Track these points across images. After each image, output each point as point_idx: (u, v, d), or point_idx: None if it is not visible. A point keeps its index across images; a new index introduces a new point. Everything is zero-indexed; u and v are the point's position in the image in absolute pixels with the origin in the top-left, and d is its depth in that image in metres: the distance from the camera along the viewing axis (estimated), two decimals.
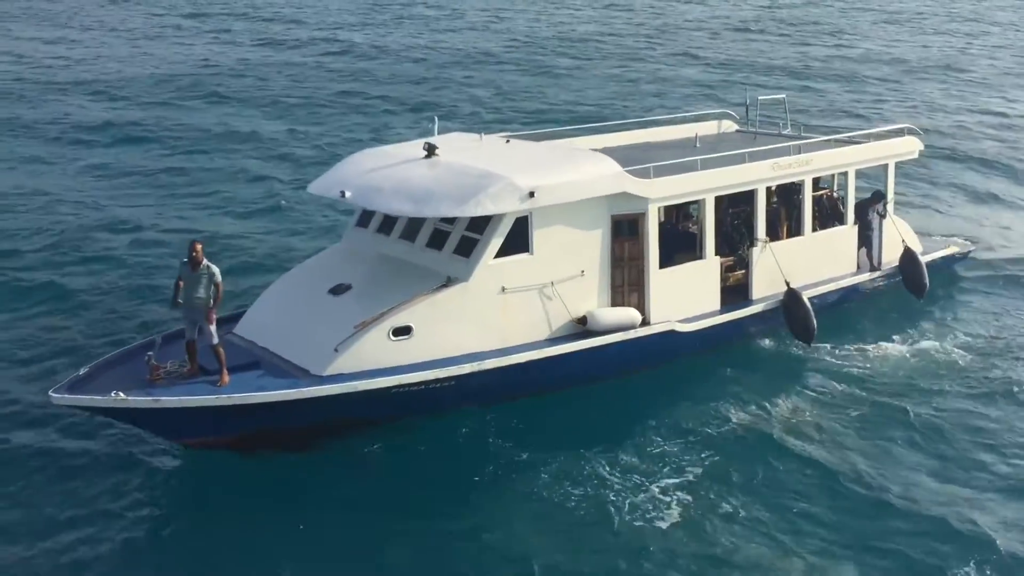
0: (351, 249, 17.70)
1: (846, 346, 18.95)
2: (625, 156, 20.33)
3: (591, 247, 16.80)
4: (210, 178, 30.54)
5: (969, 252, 23.12)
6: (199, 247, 14.46)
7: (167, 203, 28.00)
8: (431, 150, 16.95)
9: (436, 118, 19.62)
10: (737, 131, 23.63)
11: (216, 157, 33.06)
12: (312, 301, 16.17)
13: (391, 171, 16.62)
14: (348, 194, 16.02)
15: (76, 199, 28.14)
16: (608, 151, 21.13)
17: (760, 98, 23.56)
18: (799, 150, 19.41)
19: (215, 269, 14.43)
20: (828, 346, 18.83)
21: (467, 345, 15.78)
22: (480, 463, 14.83)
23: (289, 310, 16.25)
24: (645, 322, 17.27)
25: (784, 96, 24.41)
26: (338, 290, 16.14)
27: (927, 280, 20.72)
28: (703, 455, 15.15)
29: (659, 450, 15.28)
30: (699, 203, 18.19)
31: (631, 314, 17.07)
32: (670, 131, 23.12)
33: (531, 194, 15.67)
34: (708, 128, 23.47)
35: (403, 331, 15.27)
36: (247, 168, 31.58)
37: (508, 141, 18.36)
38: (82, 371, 14.62)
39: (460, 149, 17.62)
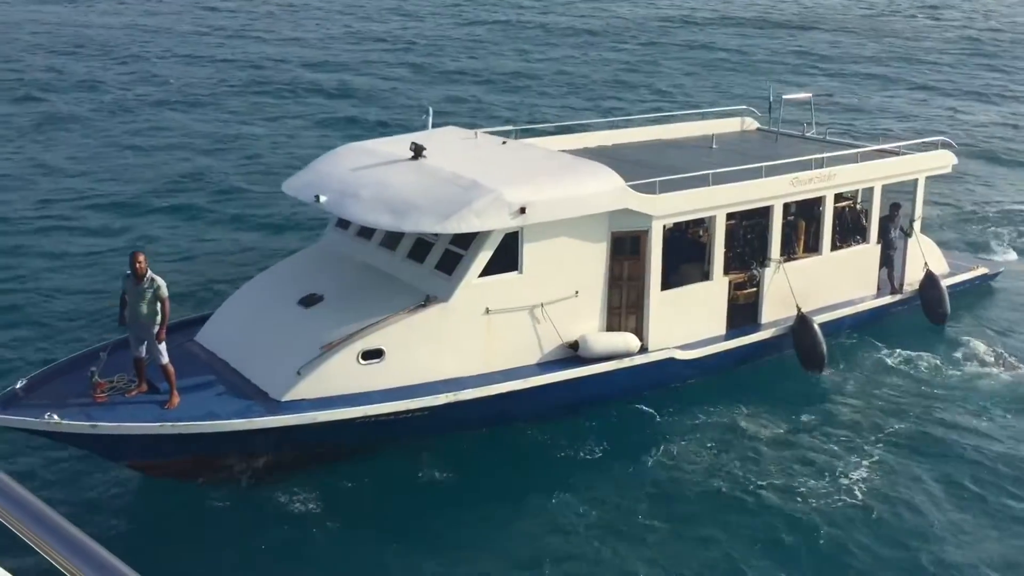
0: (329, 252, 16.35)
1: (858, 373, 17.65)
2: (635, 157, 18.94)
3: (587, 265, 15.40)
4: (188, 169, 28.69)
5: (999, 273, 21.59)
6: (142, 258, 13.09)
7: (129, 195, 26.30)
8: (418, 151, 15.51)
9: (431, 109, 18.13)
10: (758, 130, 22.11)
11: (196, 151, 31.15)
12: (279, 312, 14.85)
13: (372, 173, 15.20)
14: (323, 199, 14.62)
15: (26, 194, 26.13)
16: (619, 149, 19.78)
17: (785, 96, 21.95)
18: (822, 162, 17.87)
19: (160, 282, 13.06)
20: (840, 371, 17.51)
21: (445, 370, 14.46)
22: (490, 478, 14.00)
23: (254, 320, 14.94)
24: (643, 348, 15.90)
25: (811, 96, 22.82)
26: (309, 301, 14.80)
27: (948, 307, 19.26)
28: (690, 484, 14.19)
29: (663, 481, 14.28)
30: (709, 220, 16.69)
31: (627, 340, 15.70)
32: (687, 128, 21.62)
33: (521, 210, 14.25)
34: (729, 126, 21.97)
35: (374, 355, 13.95)
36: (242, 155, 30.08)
37: (504, 142, 16.86)
38: (20, 384, 13.32)
39: (451, 150, 16.17)
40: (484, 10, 59.79)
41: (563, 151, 19.14)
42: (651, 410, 15.91)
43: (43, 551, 1.95)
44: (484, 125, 28.44)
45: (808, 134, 21.61)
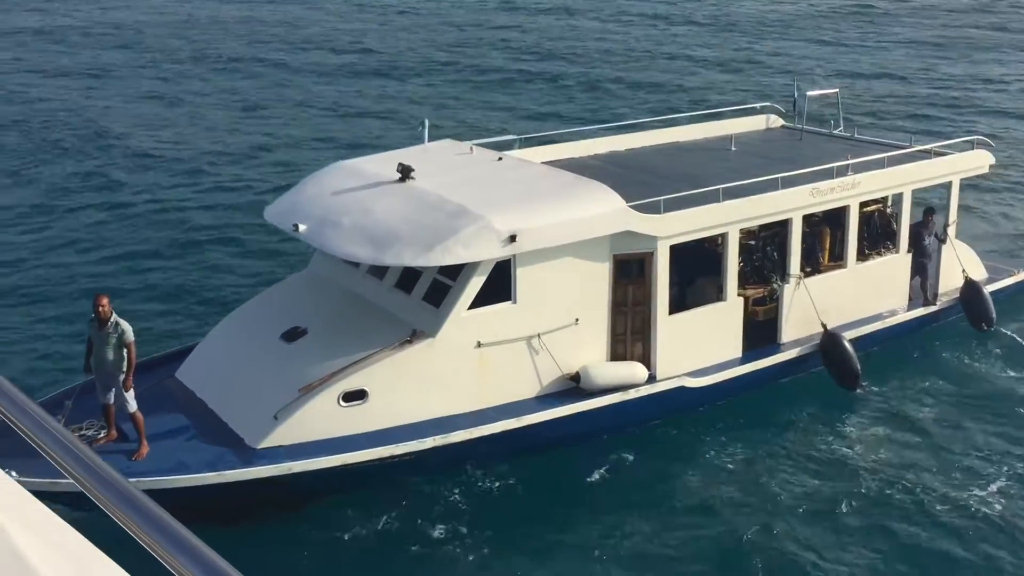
0: (315, 280, 15.49)
1: (895, 385, 16.59)
2: (647, 163, 17.87)
3: (588, 292, 14.38)
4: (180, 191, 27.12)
5: None
6: (105, 301, 12.32)
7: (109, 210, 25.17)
8: (406, 172, 14.57)
9: (426, 121, 17.15)
10: (783, 127, 20.87)
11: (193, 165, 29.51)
12: (260, 347, 14.03)
13: (356, 198, 14.29)
14: (301, 228, 13.75)
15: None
16: (631, 155, 18.70)
17: (809, 93, 20.67)
18: (845, 169, 16.64)
19: (125, 327, 12.29)
20: (875, 387, 16.44)
21: (435, 409, 13.56)
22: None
23: (234, 356, 14.14)
24: (651, 377, 14.87)
25: (837, 91, 21.47)
26: (291, 335, 13.96)
27: (994, 313, 17.95)
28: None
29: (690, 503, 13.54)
30: (721, 237, 15.55)
31: (633, 369, 14.67)
32: (706, 128, 20.43)
33: (511, 238, 13.25)
34: (753, 124, 20.76)
35: (356, 396, 13.09)
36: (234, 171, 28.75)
37: (500, 158, 15.84)
38: None
39: (441, 169, 15.19)
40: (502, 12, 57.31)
41: (571, 159, 18.20)
42: (674, 429, 15.02)
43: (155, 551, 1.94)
44: (500, 129, 27.30)
45: (835, 132, 20.35)
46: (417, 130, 17.32)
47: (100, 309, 12.19)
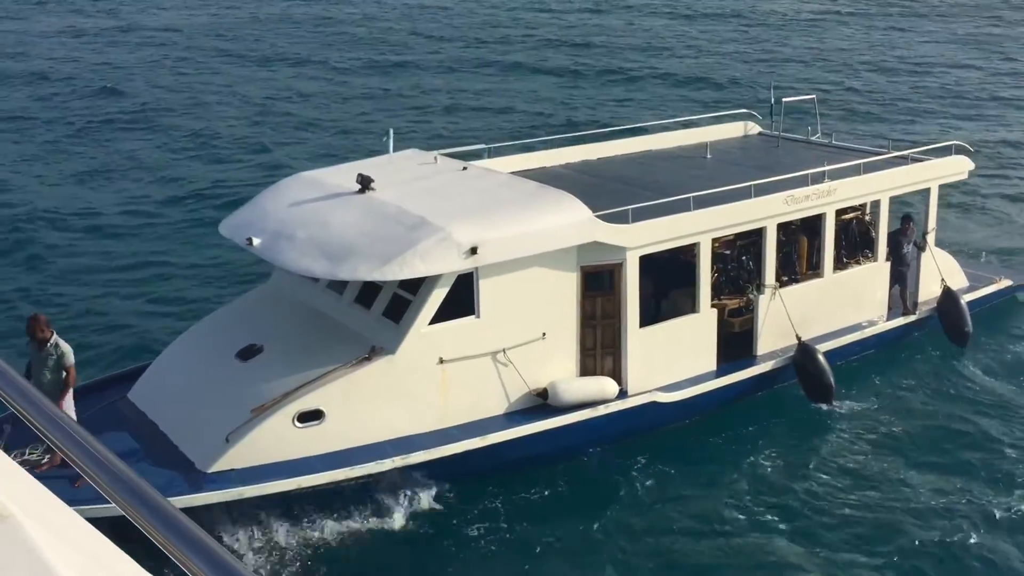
0: (275, 295, 14.97)
1: (871, 399, 16.16)
2: (619, 172, 17.45)
3: (555, 305, 13.90)
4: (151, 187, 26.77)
5: None
6: (41, 319, 11.76)
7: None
8: (365, 183, 14.08)
9: (391, 131, 16.66)
10: (760, 134, 20.49)
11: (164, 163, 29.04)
12: (214, 366, 13.50)
13: (313, 210, 13.78)
14: (255, 242, 13.24)
15: None
16: (603, 163, 18.28)
17: (785, 99, 20.28)
18: (821, 176, 16.22)
19: (65, 348, 11.73)
20: (849, 402, 15.97)
21: (395, 428, 13.05)
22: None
23: (187, 376, 13.60)
24: (622, 392, 14.38)
25: (814, 97, 21.12)
26: (247, 353, 13.43)
27: (970, 326, 17.51)
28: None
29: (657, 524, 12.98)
30: (694, 247, 15.08)
31: (603, 385, 14.18)
32: (681, 136, 20.02)
33: (473, 250, 12.77)
34: (730, 131, 20.37)
35: (312, 416, 12.56)
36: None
37: (465, 168, 15.36)
38: None
39: (403, 179, 14.71)
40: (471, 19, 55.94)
41: (542, 168, 17.76)
42: (647, 444, 14.53)
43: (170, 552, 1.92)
44: (471, 138, 26.66)
45: (812, 138, 19.96)
46: (382, 140, 16.83)
47: (36, 332, 11.63)
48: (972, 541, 12.71)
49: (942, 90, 37.60)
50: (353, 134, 31.83)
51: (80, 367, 12.68)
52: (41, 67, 42.74)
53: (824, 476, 14.13)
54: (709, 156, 18.56)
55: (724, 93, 37.15)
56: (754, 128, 20.70)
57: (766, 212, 15.40)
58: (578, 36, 49.32)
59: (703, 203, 14.79)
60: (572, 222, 13.50)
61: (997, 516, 13.24)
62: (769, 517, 13.20)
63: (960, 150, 18.18)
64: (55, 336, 11.78)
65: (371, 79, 40.81)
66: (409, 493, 13.03)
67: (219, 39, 49.77)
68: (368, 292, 13.76)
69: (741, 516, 13.23)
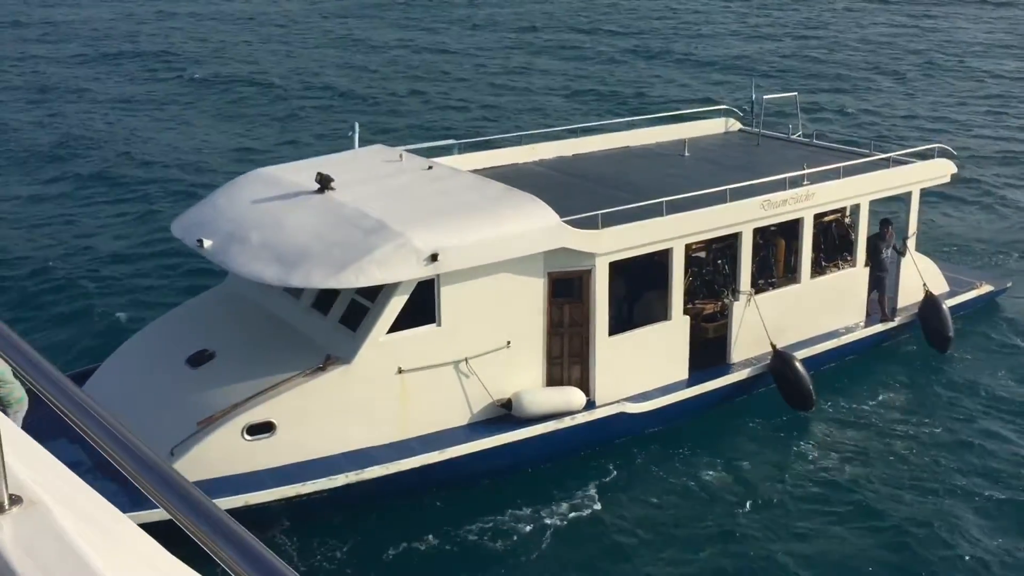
0: (230, 297, 14.38)
1: (851, 406, 15.77)
2: (593, 171, 16.94)
3: (521, 312, 13.37)
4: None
5: (1005, 288, 19.36)
6: None
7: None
8: (325, 183, 13.50)
9: (357, 125, 16.07)
10: (740, 131, 19.99)
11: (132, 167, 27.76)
12: (164, 372, 12.93)
13: (268, 211, 13.20)
14: (206, 244, 12.65)
15: None
16: (578, 160, 17.75)
17: (766, 97, 19.79)
18: (799, 179, 15.73)
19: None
20: (829, 409, 15.58)
21: (351, 441, 12.52)
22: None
23: (136, 382, 13.02)
24: (590, 402, 13.89)
25: (796, 95, 20.61)
26: (198, 359, 12.87)
27: (951, 331, 17.09)
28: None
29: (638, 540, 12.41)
30: (665, 252, 14.56)
31: (568, 395, 13.69)
32: (660, 132, 19.50)
33: (433, 257, 12.22)
34: (710, 127, 19.86)
35: (262, 429, 12.02)
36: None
37: (430, 167, 14.78)
38: None
39: (365, 178, 14.13)
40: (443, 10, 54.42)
41: (514, 164, 17.22)
42: (616, 455, 14.09)
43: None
44: (442, 133, 25.96)
45: (793, 136, 19.47)
46: (348, 135, 16.23)
47: None
48: (955, 549, 12.49)
49: (930, 88, 37.08)
50: (321, 125, 30.93)
51: None
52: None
53: (801, 485, 13.79)
54: (687, 154, 18.05)
55: (706, 87, 36.53)
56: (735, 125, 20.20)
57: (742, 217, 14.90)
58: (563, 24, 48.58)
59: (676, 207, 14.27)
60: (538, 228, 12.95)
61: (979, 522, 13.03)
62: (743, 526, 12.85)
63: (944, 153, 17.72)
64: None
65: (343, 69, 39.86)
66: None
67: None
68: (325, 298, 13.20)
69: (714, 527, 12.86)
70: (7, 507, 2.54)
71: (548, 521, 12.72)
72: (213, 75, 38.38)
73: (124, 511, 2.63)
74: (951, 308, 17.47)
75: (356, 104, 34.03)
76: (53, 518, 2.51)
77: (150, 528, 2.70)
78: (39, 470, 2.75)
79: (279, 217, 12.93)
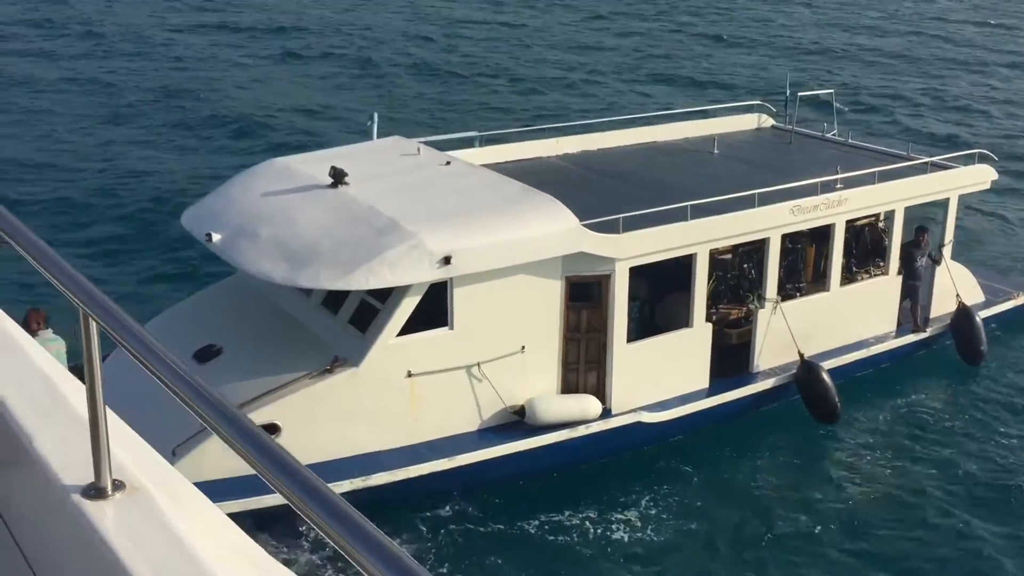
0: (241, 290, 14.06)
1: (877, 419, 15.28)
2: (618, 167, 16.45)
3: (536, 317, 12.95)
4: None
5: None
6: (37, 317, 11.00)
7: None
8: (338, 177, 13.11)
9: (375, 115, 15.67)
10: (773, 128, 19.40)
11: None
12: None
13: (280, 205, 12.84)
14: (215, 238, 12.32)
15: None
16: (603, 155, 17.26)
17: (800, 94, 19.15)
18: (831, 184, 15.16)
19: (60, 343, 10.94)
20: (854, 423, 15.07)
21: (358, 445, 12.19)
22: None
23: (140, 379, 12.67)
24: (605, 411, 13.47)
25: (832, 92, 19.95)
26: (205, 355, 12.58)
27: (984, 346, 16.49)
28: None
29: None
30: (689, 257, 14.06)
31: (584, 403, 13.27)
32: (689, 127, 18.93)
33: (446, 260, 11.81)
34: (742, 123, 19.30)
35: (267, 431, 11.64)
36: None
37: (448, 162, 14.34)
38: None
39: (380, 173, 13.72)
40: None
41: (537, 158, 16.77)
42: (631, 464, 13.71)
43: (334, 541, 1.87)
44: (463, 125, 25.33)
45: (827, 135, 18.85)
46: (366, 125, 15.83)
47: (32, 322, 10.85)
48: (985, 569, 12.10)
49: (971, 89, 35.99)
50: (338, 120, 30.28)
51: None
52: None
53: (822, 502, 13.36)
54: (716, 151, 17.50)
55: (740, 82, 35.69)
56: (767, 121, 19.60)
57: (769, 223, 14.37)
58: (593, 22, 47.65)
59: (701, 211, 13.76)
60: (556, 231, 12.50)
61: (1007, 544, 12.56)
62: (767, 541, 12.48)
63: (984, 158, 17.06)
64: (48, 331, 10.98)
65: (355, 64, 39.00)
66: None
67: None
68: (336, 296, 12.84)
69: (733, 543, 12.45)
70: (110, 492, 2.63)
71: (551, 536, 12.35)
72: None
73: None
74: (986, 319, 16.86)
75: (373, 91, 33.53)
76: (156, 504, 2.60)
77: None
78: (139, 457, 2.85)
79: (290, 212, 12.58)
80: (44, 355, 3.51)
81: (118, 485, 2.66)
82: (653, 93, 33.77)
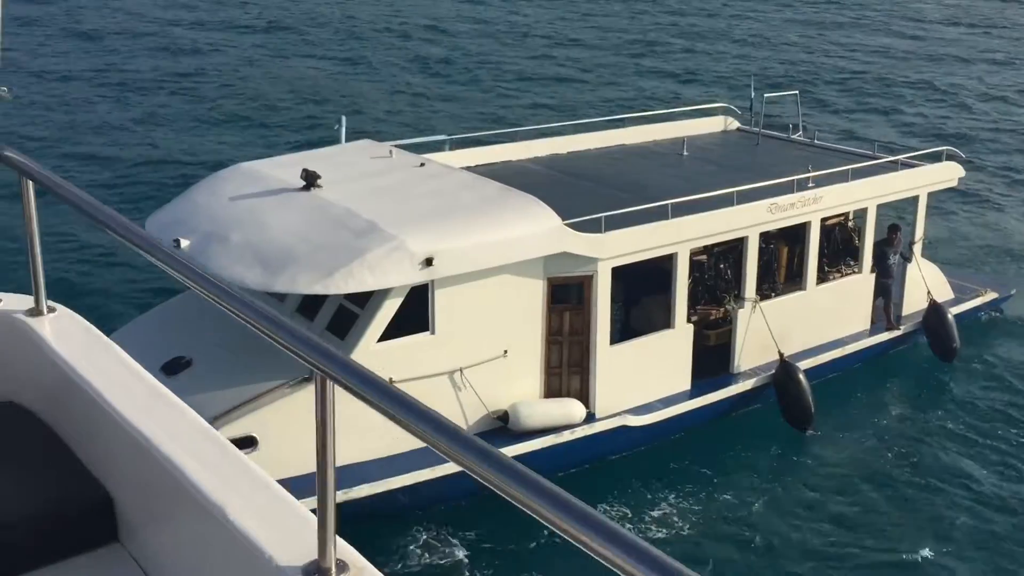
0: None
1: (852, 419, 15.15)
2: (591, 169, 16.23)
3: (518, 320, 12.63)
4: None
5: (1010, 296, 18.79)
6: None
7: None
8: (311, 180, 12.68)
9: (343, 119, 15.25)
10: (739, 130, 19.31)
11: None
12: None
13: (251, 209, 12.37)
14: (183, 244, 11.81)
15: None
16: (574, 159, 17.03)
17: (766, 95, 19.12)
18: (805, 182, 15.08)
19: None
20: (830, 423, 14.90)
21: (338, 456, 11.65)
22: None
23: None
24: (590, 415, 13.16)
25: (797, 93, 19.95)
26: (173, 367, 12.03)
27: (957, 342, 16.51)
28: None
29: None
30: (669, 257, 13.85)
31: (568, 407, 12.96)
32: (658, 130, 18.76)
33: (428, 261, 11.44)
34: (709, 126, 19.19)
35: (244, 444, 11.18)
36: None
37: (422, 164, 13.99)
38: None
39: (353, 176, 13.32)
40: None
41: (507, 162, 16.46)
42: (612, 467, 13.42)
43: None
44: (431, 128, 25.04)
45: (794, 136, 18.81)
46: (334, 128, 15.41)
47: None
48: (961, 566, 12.03)
49: (932, 89, 36.41)
50: (306, 120, 29.80)
51: None
52: None
53: (801, 505, 13.20)
54: (686, 153, 17.36)
55: (704, 84, 35.77)
56: (733, 123, 19.53)
57: (749, 221, 14.22)
58: (555, 21, 47.60)
59: (682, 210, 13.56)
60: (539, 231, 12.20)
61: (982, 539, 12.53)
62: (738, 544, 12.28)
63: (952, 156, 17.13)
64: None
65: (327, 61, 38.65)
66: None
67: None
68: (312, 302, 12.40)
69: (719, 543, 12.25)
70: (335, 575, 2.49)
71: (531, 543, 12.01)
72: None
73: None
74: (956, 316, 16.89)
75: (343, 94, 33.03)
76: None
77: None
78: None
79: (262, 216, 12.11)
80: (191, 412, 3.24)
81: (341, 567, 2.44)
82: (614, 97, 33.63)
